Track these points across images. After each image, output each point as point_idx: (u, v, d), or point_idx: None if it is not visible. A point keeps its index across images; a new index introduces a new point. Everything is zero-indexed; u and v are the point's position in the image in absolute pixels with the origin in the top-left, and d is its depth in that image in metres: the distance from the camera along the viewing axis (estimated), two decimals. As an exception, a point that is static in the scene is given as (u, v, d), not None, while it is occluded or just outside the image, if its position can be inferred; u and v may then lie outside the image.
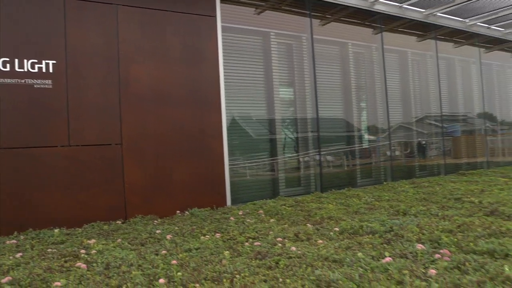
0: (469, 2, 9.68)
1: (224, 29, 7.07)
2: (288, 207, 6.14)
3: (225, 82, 6.90)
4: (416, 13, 10.14)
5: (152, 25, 6.32)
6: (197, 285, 2.92)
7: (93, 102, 5.80)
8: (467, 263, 2.99)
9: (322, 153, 8.35)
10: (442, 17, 10.76)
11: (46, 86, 5.47)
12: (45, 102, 5.46)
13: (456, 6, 9.92)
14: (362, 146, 9.73)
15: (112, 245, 4.32)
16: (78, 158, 5.64)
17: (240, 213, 5.86)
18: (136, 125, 6.08)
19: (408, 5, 9.70)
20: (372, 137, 9.99)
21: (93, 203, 5.69)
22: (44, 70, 5.46)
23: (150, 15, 6.31)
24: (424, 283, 2.68)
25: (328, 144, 8.74)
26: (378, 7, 9.26)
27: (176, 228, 5.02)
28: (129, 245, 4.31)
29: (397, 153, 10.47)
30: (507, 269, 2.79)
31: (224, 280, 2.99)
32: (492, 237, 3.66)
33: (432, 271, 2.83)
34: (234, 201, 6.83)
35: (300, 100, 8.52)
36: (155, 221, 5.64)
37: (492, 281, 2.65)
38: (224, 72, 6.93)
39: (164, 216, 5.98)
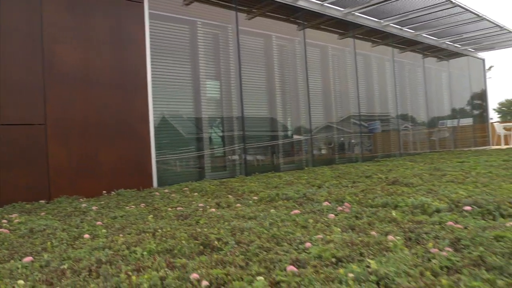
0: (383, 3, 10.54)
1: (151, 16, 7.20)
2: (213, 186, 6.42)
3: (152, 66, 7.04)
4: (336, 11, 10.81)
5: (78, 6, 6.31)
6: (121, 235, 3.12)
7: (14, 81, 5.70)
8: (362, 213, 3.44)
9: (246, 133, 8.72)
10: (360, 16, 11.56)
11: (-36, 63, 5.33)
12: (-38, 79, 5.32)
13: (372, 7, 10.73)
14: (286, 136, 10.26)
15: (35, 217, 4.35)
16: (-2, 137, 5.54)
17: (166, 191, 6.05)
18: (61, 106, 6.05)
19: (328, 3, 10.34)
20: (295, 129, 10.57)
21: (15, 184, 5.60)
22: (-39, 46, 5.32)
23: (76, -3, 6.31)
24: (325, 226, 3.08)
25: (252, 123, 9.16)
26: (301, 3, 9.80)
27: (102, 203, 5.13)
28: (54, 217, 4.37)
29: (320, 144, 11.14)
30: (394, 213, 3.27)
31: (147, 233, 3.20)
32: (388, 196, 4.18)
33: (331, 215, 3.24)
34: (160, 183, 6.98)
35: (226, 92, 8.85)
36: (81, 199, 5.68)
37: (381, 222, 3.11)
38: (151, 57, 7.06)
39: (90, 196, 6.00)
